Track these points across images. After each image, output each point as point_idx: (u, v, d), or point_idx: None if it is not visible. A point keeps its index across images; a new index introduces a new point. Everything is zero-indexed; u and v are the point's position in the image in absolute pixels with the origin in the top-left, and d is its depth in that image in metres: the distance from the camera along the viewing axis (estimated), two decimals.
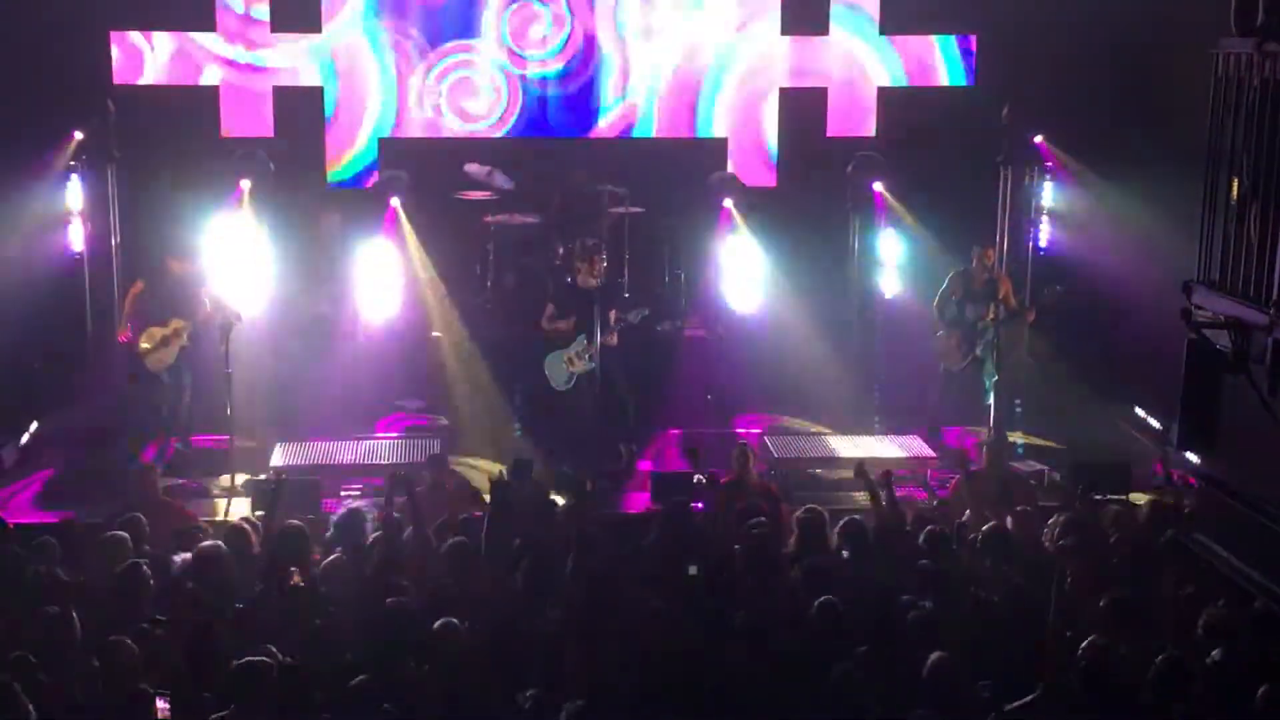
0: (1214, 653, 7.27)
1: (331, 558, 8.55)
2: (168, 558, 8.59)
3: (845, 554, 8.73)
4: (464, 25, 14.44)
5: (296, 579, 8.07)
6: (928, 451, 12.08)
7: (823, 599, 7.74)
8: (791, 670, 7.23)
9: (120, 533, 8.70)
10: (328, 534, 9.07)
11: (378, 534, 8.84)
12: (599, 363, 11.95)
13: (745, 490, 10.22)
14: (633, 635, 7.55)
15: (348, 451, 11.91)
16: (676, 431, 12.75)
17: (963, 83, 14.73)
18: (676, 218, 14.14)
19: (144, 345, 11.91)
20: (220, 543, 8.54)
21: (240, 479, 11.51)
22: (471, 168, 13.83)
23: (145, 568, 8.12)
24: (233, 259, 12.43)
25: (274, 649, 7.13)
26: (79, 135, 12.66)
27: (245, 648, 7.18)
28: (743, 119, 14.83)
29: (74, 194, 12.62)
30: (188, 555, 8.55)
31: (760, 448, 11.81)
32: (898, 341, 13.29)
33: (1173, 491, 10.19)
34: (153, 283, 12.04)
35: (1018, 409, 12.86)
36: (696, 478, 10.37)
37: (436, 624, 7.35)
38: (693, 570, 8.25)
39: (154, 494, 10.06)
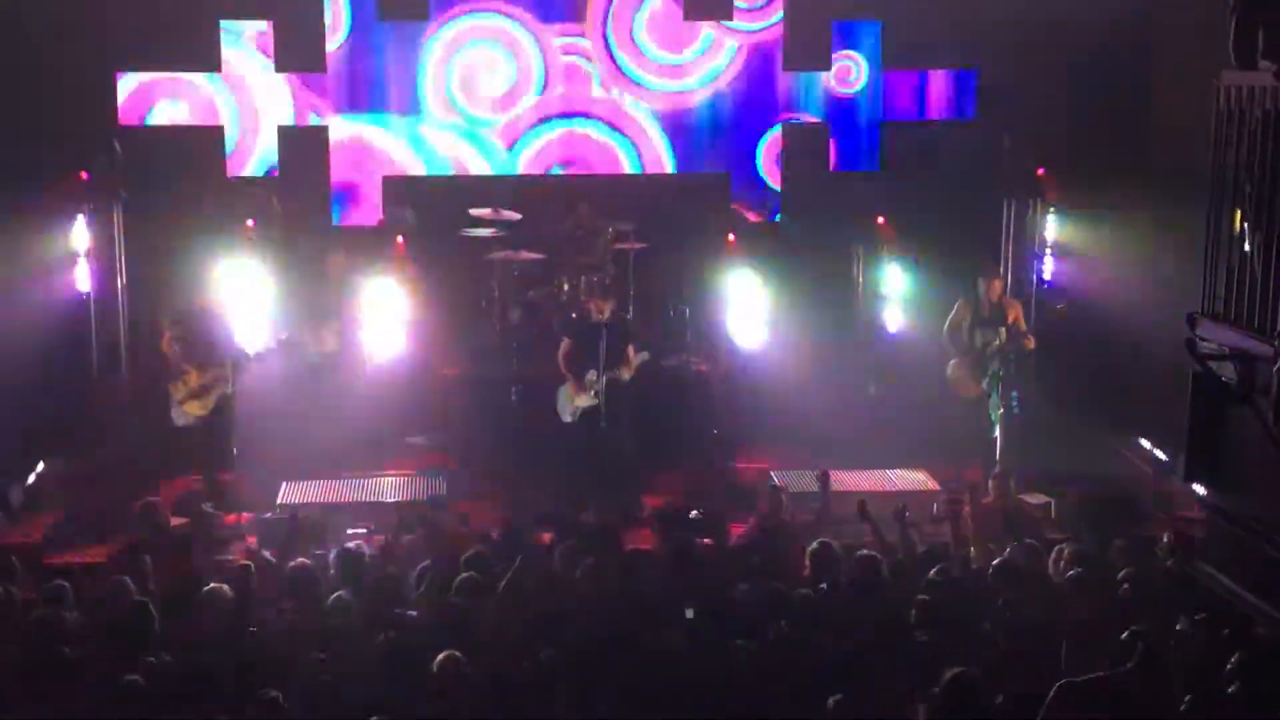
0: (1230, 687, 7.22)
1: (336, 594, 8.53)
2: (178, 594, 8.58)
3: (823, 587, 8.70)
4: None
5: (294, 615, 8.06)
6: (933, 485, 12.06)
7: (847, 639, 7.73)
8: (793, 702, 7.22)
9: (124, 576, 8.65)
10: (330, 572, 9.05)
11: (384, 571, 8.82)
12: (605, 398, 11.97)
13: (775, 530, 10.11)
14: (636, 673, 7.53)
15: (354, 489, 11.91)
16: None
17: (965, 115, 14.81)
18: (680, 253, 14.16)
19: (178, 395, 11.83)
20: (224, 585, 8.51)
21: (247, 516, 11.51)
22: (477, 212, 13.89)
23: (151, 607, 8.10)
24: (240, 297, 12.43)
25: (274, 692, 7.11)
26: (85, 176, 12.71)
27: (249, 686, 7.18)
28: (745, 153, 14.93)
29: (80, 235, 12.66)
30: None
31: (766, 482, 11.81)
32: (902, 374, 13.28)
33: (1180, 523, 10.16)
34: (179, 331, 11.97)
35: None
36: (693, 513, 10.31)
37: (438, 658, 7.34)
38: (689, 613, 8.19)
39: (164, 528, 10.03)
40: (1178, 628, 7.65)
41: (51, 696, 7.30)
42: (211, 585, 8.45)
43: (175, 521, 11.11)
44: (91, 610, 8.43)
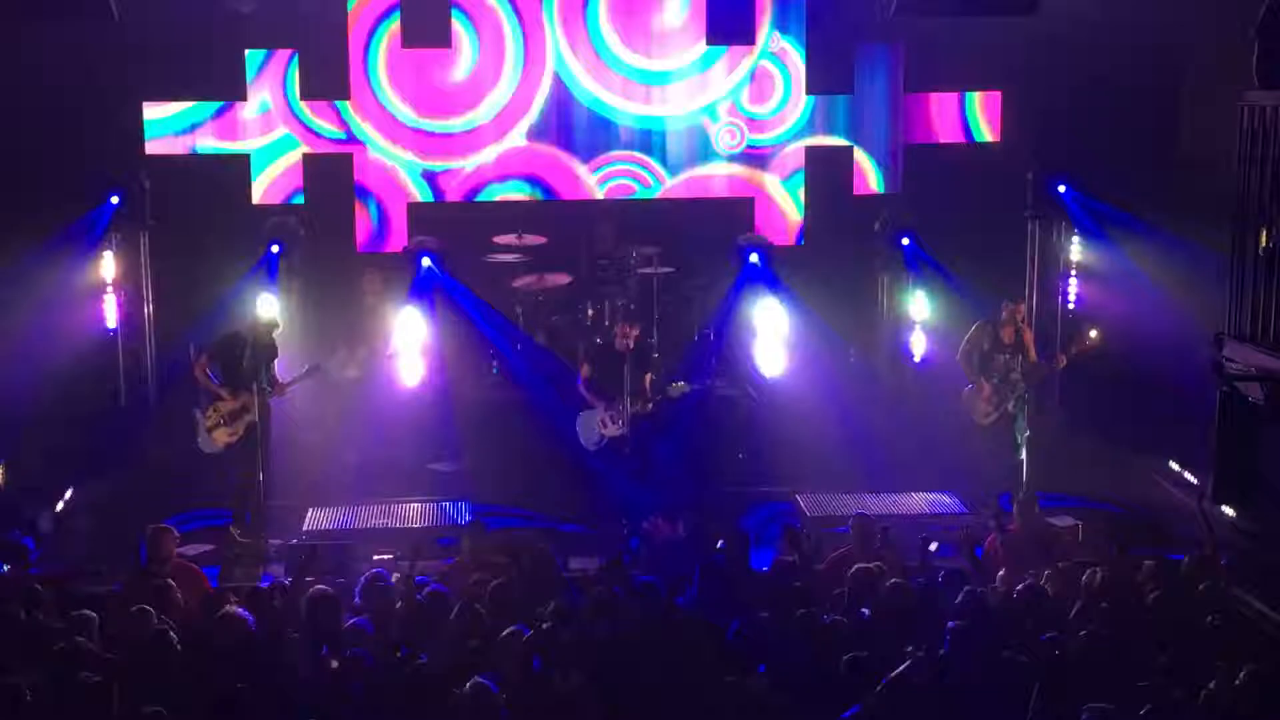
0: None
1: (355, 622, 8.51)
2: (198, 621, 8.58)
3: (865, 613, 8.66)
4: None
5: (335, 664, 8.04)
6: (960, 509, 12.00)
7: (850, 655, 7.70)
8: None
9: (144, 605, 8.64)
10: (356, 600, 9.04)
11: (405, 599, 8.80)
12: (630, 429, 11.94)
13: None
14: (661, 700, 7.50)
15: (380, 515, 11.91)
16: None
17: (989, 138, 14.79)
18: (705, 278, 14.17)
19: (208, 422, 11.59)
20: (242, 612, 8.49)
21: (273, 543, 11.52)
22: (502, 239, 13.95)
23: (171, 634, 8.10)
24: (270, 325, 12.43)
25: None
26: (113, 203, 12.80)
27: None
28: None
29: (108, 263, 12.74)
30: None
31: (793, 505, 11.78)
32: (928, 399, 13.23)
33: (1209, 545, 10.08)
34: (219, 353, 11.67)
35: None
36: (720, 543, 10.13)
37: (467, 686, 7.31)
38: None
39: (169, 556, 9.99)
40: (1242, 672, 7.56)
41: None
42: (229, 612, 8.44)
43: (199, 548, 11.18)
44: (113, 639, 8.44)
